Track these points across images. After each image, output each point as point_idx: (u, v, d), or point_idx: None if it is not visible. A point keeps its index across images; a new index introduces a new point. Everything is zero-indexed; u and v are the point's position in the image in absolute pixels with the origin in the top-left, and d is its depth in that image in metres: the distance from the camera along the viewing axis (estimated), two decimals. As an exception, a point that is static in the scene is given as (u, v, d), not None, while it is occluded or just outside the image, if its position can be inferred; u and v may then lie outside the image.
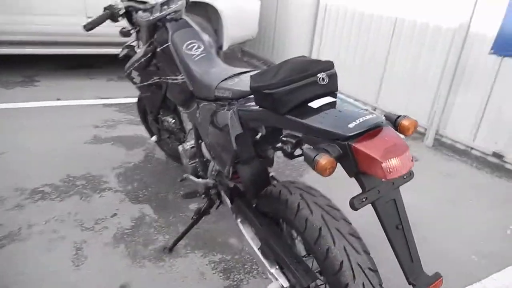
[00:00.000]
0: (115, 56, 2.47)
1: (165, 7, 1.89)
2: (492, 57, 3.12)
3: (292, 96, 1.01)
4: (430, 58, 3.58)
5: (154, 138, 2.57)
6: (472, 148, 3.34)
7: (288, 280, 1.34)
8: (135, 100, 2.60)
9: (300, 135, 0.99)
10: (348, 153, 0.86)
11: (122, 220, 2.11)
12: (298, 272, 1.21)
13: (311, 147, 0.94)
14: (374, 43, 4.12)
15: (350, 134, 0.86)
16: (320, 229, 1.15)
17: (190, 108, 1.71)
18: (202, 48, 1.74)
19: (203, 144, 1.71)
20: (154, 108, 2.05)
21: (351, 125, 0.88)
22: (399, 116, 0.96)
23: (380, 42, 4.05)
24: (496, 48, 3.11)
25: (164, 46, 1.77)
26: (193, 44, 1.75)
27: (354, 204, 0.91)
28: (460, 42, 3.30)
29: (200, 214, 1.84)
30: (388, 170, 0.81)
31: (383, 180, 0.90)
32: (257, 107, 1.14)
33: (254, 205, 1.53)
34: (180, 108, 1.91)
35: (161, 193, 2.41)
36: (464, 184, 2.88)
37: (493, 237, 2.25)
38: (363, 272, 1.10)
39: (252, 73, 1.42)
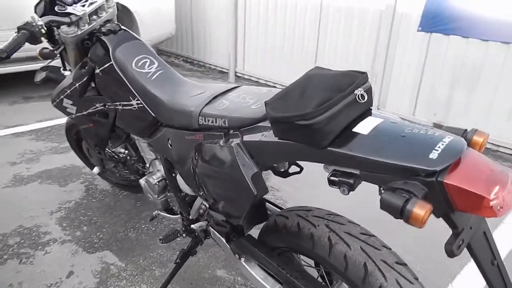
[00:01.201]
0: (15, 74, 2.00)
1: (94, 17, 1.54)
2: (421, 34, 3.24)
3: (334, 123, 0.82)
4: (361, 41, 3.62)
5: (96, 169, 2.18)
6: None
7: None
8: (53, 123, 2.17)
9: (355, 171, 0.81)
10: (438, 191, 0.70)
11: (82, 279, 1.74)
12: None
13: (381, 187, 0.76)
14: (302, 30, 4.06)
15: (440, 168, 0.69)
16: (365, 265, 0.99)
17: (154, 137, 1.42)
18: (156, 64, 1.45)
19: (179, 177, 1.44)
20: (101, 141, 1.70)
21: (433, 155, 0.71)
22: (466, 130, 0.82)
23: (308, 29, 4.00)
24: (423, 25, 3.23)
25: (105, 66, 1.44)
26: (145, 60, 1.44)
27: (454, 252, 0.76)
28: (388, 22, 3.38)
29: (186, 256, 1.57)
30: (499, 207, 0.66)
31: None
32: (275, 139, 0.92)
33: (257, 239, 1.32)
34: (136, 137, 1.59)
35: (120, 232, 2.06)
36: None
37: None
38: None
39: (245, 93, 1.18)
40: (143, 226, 2.10)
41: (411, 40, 3.31)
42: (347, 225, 1.09)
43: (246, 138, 1.00)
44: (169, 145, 1.32)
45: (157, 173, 1.57)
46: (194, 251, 1.58)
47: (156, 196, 1.59)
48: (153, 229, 2.08)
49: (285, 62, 4.33)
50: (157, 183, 1.54)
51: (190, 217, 1.46)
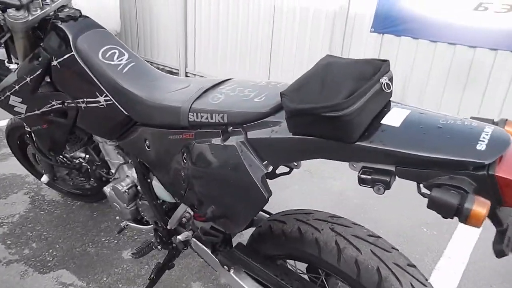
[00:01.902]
0: None
1: (48, 0, 1.35)
2: (373, 34, 3.33)
3: (364, 115, 0.74)
4: (316, 40, 3.64)
5: (45, 178, 1.92)
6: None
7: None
8: None
9: (389, 167, 0.74)
10: (489, 186, 0.65)
11: (36, 304, 1.52)
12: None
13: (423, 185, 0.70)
14: (256, 29, 4.01)
15: (491, 161, 0.65)
16: (378, 270, 0.94)
17: (127, 139, 1.26)
18: (126, 56, 1.29)
19: (155, 182, 1.29)
20: (57, 145, 1.48)
21: (480, 147, 0.66)
22: (493, 120, 0.79)
23: (262, 28, 3.96)
24: (375, 26, 3.32)
25: (65, 57, 1.26)
26: (113, 51, 1.28)
27: (505, 252, 0.72)
28: (342, 23, 3.44)
29: (162, 270, 1.42)
30: (549, 199, 0.63)
31: None
32: (289, 135, 0.83)
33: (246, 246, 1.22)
34: (100, 139, 1.41)
35: (76, 247, 1.83)
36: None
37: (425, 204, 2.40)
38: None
39: (255, 87, 1.06)
40: (103, 239, 1.89)
41: (364, 40, 3.38)
42: (352, 227, 1.03)
43: (252, 135, 0.89)
44: (146, 147, 1.18)
45: (126, 179, 1.40)
46: (171, 264, 1.44)
47: (125, 205, 1.42)
48: (115, 241, 1.89)
49: (239, 61, 4.24)
50: (126, 190, 1.38)
51: (168, 227, 1.32)
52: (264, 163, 0.88)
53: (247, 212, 0.93)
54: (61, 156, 1.66)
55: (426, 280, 0.98)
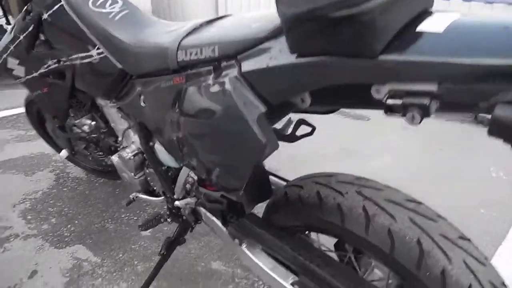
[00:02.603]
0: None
1: None
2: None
3: (390, 16, 0.53)
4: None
5: (64, 152, 1.86)
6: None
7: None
8: (20, 110, 1.86)
9: (430, 87, 0.52)
10: None
11: (47, 279, 1.44)
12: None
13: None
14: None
15: None
16: (419, 242, 0.73)
17: (125, 99, 1.12)
18: (120, 3, 1.14)
19: (157, 146, 1.15)
20: (59, 111, 1.39)
21: None
22: None
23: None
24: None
25: (54, 8, 1.13)
26: None
27: None
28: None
29: (172, 245, 1.29)
30: None
31: None
32: (291, 59, 0.63)
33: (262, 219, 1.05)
34: (103, 102, 1.29)
35: (95, 223, 1.76)
36: (424, 135, 2.73)
37: (485, 184, 2.10)
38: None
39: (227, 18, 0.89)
40: (122, 216, 1.80)
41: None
42: (385, 191, 0.82)
43: (246, 67, 0.70)
44: (141, 103, 1.03)
45: (132, 145, 1.27)
46: (182, 239, 1.30)
47: (133, 174, 1.29)
48: (135, 218, 1.79)
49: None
50: (131, 157, 1.25)
51: (175, 196, 1.17)
52: (261, 100, 0.69)
53: (243, 165, 0.75)
54: (70, 124, 1.56)
55: (485, 258, 0.75)
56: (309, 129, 1.09)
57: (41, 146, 2.38)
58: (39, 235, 1.67)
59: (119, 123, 1.30)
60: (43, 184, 2.06)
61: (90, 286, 1.41)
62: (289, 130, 1.11)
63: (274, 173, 1.19)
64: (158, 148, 1.14)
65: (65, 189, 2.02)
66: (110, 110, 1.29)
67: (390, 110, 0.55)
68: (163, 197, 1.29)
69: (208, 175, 0.88)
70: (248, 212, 1.07)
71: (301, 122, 1.09)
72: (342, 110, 3.14)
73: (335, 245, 1.06)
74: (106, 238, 1.66)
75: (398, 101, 0.53)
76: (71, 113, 1.42)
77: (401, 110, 0.53)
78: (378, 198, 0.80)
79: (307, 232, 1.07)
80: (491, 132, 0.46)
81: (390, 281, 0.91)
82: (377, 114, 3.14)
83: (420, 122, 0.52)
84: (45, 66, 1.25)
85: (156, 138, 1.12)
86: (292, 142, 1.10)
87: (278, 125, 1.12)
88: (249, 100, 0.69)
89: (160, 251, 1.28)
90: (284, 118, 1.08)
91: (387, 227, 0.76)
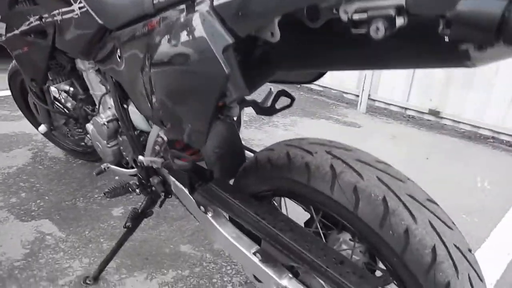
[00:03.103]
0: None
1: None
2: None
3: None
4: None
5: (42, 127, 1.80)
6: (407, 109, 3.23)
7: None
8: (7, 93, 1.82)
9: (399, 1, 0.48)
10: None
11: (6, 249, 1.37)
12: (343, 277, 0.73)
13: None
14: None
15: None
16: (384, 200, 0.69)
17: (103, 57, 1.08)
18: None
19: (131, 108, 1.11)
20: (38, 73, 1.34)
21: None
22: None
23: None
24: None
25: None
26: None
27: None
28: None
29: (139, 217, 1.23)
30: None
31: None
32: None
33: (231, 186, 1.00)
34: (83, 66, 1.25)
35: (66, 200, 1.69)
36: (412, 144, 2.71)
37: (469, 192, 2.06)
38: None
39: None
40: (96, 196, 1.74)
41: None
42: (356, 152, 0.78)
43: (217, 0, 0.67)
44: (117, 57, 0.99)
45: (107, 111, 1.23)
46: (149, 211, 1.24)
47: (105, 142, 1.25)
48: (108, 199, 1.73)
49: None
50: (105, 123, 1.21)
51: (144, 158, 1.12)
52: (230, 33, 0.65)
53: (208, 99, 0.70)
54: (51, 93, 1.52)
55: (453, 223, 0.71)
56: (288, 101, 1.06)
57: (24, 126, 2.33)
58: (5, 208, 1.60)
59: (98, 89, 1.26)
60: (18, 160, 2.00)
61: (50, 259, 1.35)
62: (269, 103, 1.08)
63: (247, 147, 1.15)
64: (132, 110, 1.10)
65: (41, 166, 1.96)
66: (90, 74, 1.25)
67: (354, 25, 0.52)
68: (134, 170, 1.25)
69: (174, 126, 0.84)
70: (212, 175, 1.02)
71: (282, 93, 1.06)
72: (334, 116, 3.12)
73: (305, 223, 1.02)
74: (75, 215, 1.59)
75: (363, 15, 0.50)
76: (50, 76, 1.38)
77: (366, 24, 0.50)
78: (348, 157, 0.76)
79: (273, 199, 1.03)
80: (453, 35, 0.43)
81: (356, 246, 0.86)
82: (368, 122, 3.13)
83: (384, 35, 0.48)
84: (27, 23, 1.22)
85: (130, 99, 1.08)
86: (271, 115, 1.07)
87: (259, 99, 1.09)
88: (217, 32, 0.65)
89: (126, 223, 1.22)
90: (265, 89, 1.05)
91: (353, 185, 0.72)
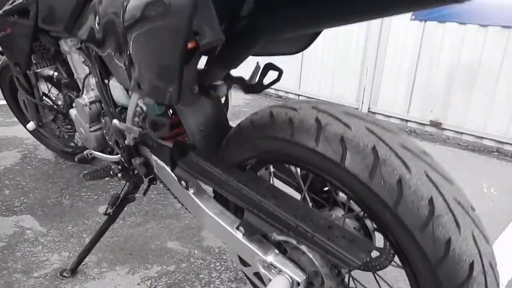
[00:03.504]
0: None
1: None
2: (415, 23, 3.02)
3: None
4: (351, 30, 3.37)
5: (31, 124, 1.76)
6: (407, 121, 3.18)
7: (303, 269, 0.78)
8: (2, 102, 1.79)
9: None
10: None
11: (-17, 242, 1.30)
12: (332, 242, 0.65)
13: None
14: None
15: None
16: (374, 150, 0.62)
17: (84, 30, 1.04)
18: None
19: (112, 83, 1.06)
20: (21, 55, 1.31)
21: None
22: None
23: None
24: (416, 14, 3.01)
25: None
26: None
27: None
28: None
29: (120, 203, 1.16)
30: None
31: None
32: None
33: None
34: (67, 47, 1.21)
35: (51, 198, 1.62)
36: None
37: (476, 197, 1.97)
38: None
39: None
40: (82, 194, 1.67)
41: (404, 29, 3.07)
42: (345, 107, 0.72)
43: None
44: (96, 25, 0.95)
45: (90, 92, 1.18)
46: (131, 197, 1.17)
47: (88, 126, 1.20)
48: (95, 197, 1.66)
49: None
50: (88, 103, 1.16)
51: (124, 126, 1.06)
52: None
53: (177, 35, 0.65)
54: (36, 78, 1.49)
55: (452, 179, 0.64)
56: (275, 75, 1.01)
57: (17, 131, 2.30)
58: (-13, 203, 1.54)
59: (81, 71, 1.22)
60: (7, 160, 1.94)
61: (27, 252, 1.27)
62: (257, 78, 1.03)
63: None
64: (113, 85, 1.06)
65: (29, 167, 1.90)
66: (73, 56, 1.22)
67: None
68: (117, 156, 1.19)
69: (149, 83, 0.78)
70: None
71: (269, 66, 1.02)
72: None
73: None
74: (60, 212, 1.52)
75: None
76: (34, 60, 1.35)
77: None
78: (335, 111, 0.70)
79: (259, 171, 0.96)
80: None
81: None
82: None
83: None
84: (10, 2, 1.20)
85: (111, 74, 1.04)
86: (260, 92, 1.02)
87: (246, 76, 1.05)
88: None
89: (106, 210, 1.15)
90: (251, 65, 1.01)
91: (340, 135, 0.65)
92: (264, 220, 0.75)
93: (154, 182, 1.21)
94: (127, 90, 1.05)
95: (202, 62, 0.99)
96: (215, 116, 1.01)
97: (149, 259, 1.28)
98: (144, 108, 0.95)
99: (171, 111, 1.07)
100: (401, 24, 3.08)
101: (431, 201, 0.59)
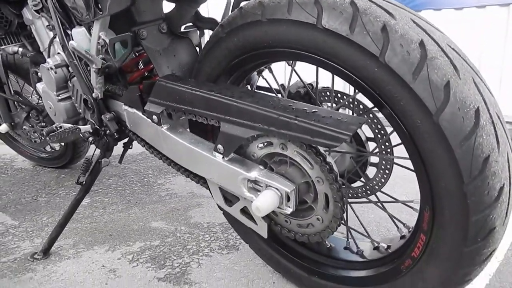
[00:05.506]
0: None
1: None
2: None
3: None
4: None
5: (4, 127, 1.66)
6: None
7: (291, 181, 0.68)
8: None
9: None
10: None
11: None
12: (318, 122, 0.57)
13: None
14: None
15: None
16: (353, 3, 0.56)
17: None
18: None
19: (75, 30, 0.99)
20: None
21: None
22: None
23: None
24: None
25: None
26: None
27: None
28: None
29: (94, 170, 1.06)
30: None
31: None
32: None
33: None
34: (30, 16, 1.16)
35: (26, 197, 1.51)
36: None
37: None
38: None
39: None
40: (60, 192, 1.56)
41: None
42: None
43: None
44: None
45: (56, 56, 1.12)
46: (105, 161, 1.07)
47: (55, 95, 1.12)
48: (74, 193, 1.55)
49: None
50: (53, 66, 1.08)
51: (93, 68, 0.97)
52: None
53: None
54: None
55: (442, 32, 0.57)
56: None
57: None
58: (-45, 206, 1.42)
59: (45, 37, 1.16)
60: (-20, 171, 1.83)
61: (-4, 242, 1.15)
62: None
63: None
64: (76, 31, 0.99)
65: (4, 175, 1.79)
66: (37, 23, 1.16)
67: None
68: (88, 126, 1.10)
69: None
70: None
71: None
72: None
73: None
74: (35, 207, 1.41)
75: None
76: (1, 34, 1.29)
77: None
78: None
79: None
80: None
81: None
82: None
83: None
84: None
85: (71, 21, 0.98)
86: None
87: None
88: None
89: (78, 179, 1.05)
90: None
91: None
92: (242, 124, 0.67)
93: (130, 147, 1.12)
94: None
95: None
96: (187, 60, 0.95)
97: (131, 238, 1.17)
98: (107, 40, 0.88)
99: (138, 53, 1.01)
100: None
101: (422, 44, 0.52)
